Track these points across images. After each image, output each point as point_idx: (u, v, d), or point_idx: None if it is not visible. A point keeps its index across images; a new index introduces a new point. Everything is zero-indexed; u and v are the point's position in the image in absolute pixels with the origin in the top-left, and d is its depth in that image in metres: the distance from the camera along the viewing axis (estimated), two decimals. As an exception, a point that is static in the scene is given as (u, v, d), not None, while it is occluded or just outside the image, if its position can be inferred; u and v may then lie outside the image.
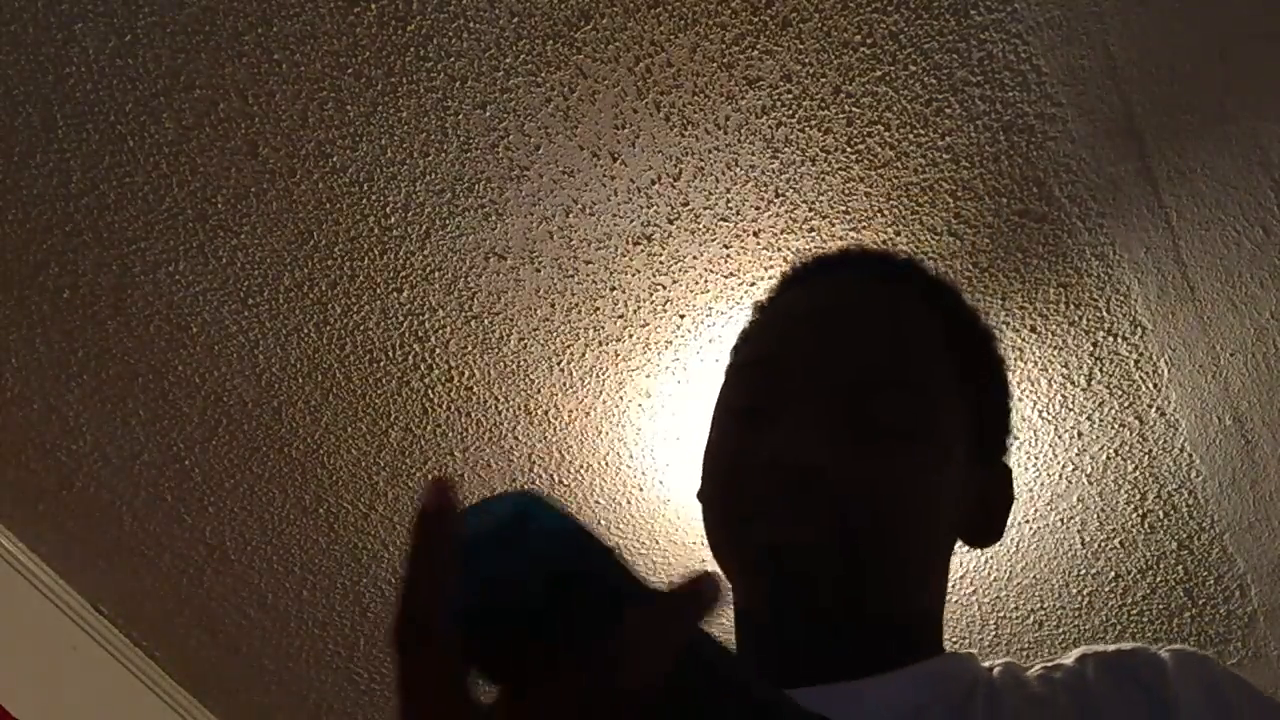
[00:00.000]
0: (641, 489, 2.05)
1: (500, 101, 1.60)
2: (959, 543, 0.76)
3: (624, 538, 2.14)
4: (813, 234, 1.71)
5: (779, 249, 1.73)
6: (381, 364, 1.92)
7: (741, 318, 1.81)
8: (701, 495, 0.77)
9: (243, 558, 2.22)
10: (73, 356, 1.92)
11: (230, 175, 1.69)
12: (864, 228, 1.70)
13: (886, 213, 1.68)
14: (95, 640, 2.33)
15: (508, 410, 1.98)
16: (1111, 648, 0.68)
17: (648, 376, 1.88)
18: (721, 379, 0.81)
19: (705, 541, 0.77)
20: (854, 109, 1.58)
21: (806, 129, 1.60)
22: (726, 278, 1.77)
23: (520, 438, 2.01)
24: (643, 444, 1.98)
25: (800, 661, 0.69)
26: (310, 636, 2.37)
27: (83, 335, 1.89)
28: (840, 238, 1.71)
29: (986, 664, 0.72)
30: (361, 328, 1.88)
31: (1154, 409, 1.87)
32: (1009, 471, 0.80)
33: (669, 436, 1.95)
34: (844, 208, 1.68)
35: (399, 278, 1.81)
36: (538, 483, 2.08)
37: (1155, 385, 1.84)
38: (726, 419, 0.76)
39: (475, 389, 1.95)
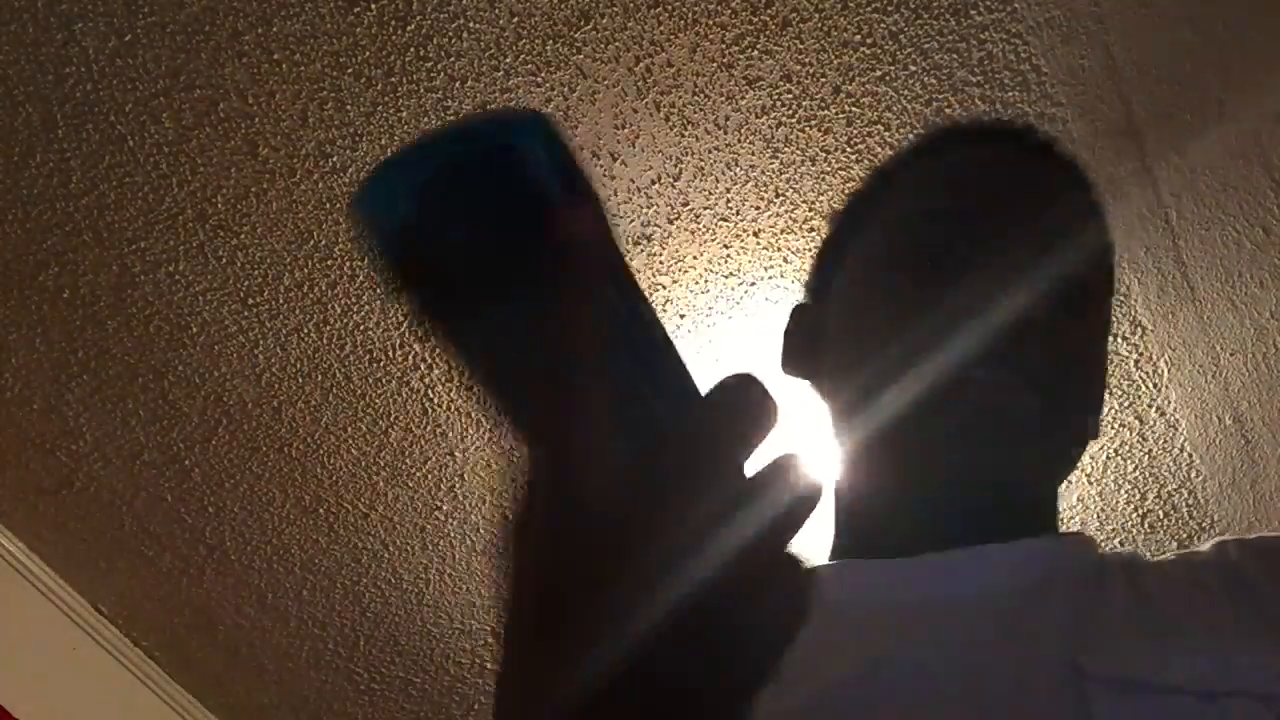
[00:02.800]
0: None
1: (500, 101, 1.60)
2: None
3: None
4: (813, 234, 1.71)
5: (779, 249, 1.73)
6: (381, 364, 1.92)
7: (741, 318, 1.81)
8: (856, 363, 0.71)
9: (243, 558, 2.22)
10: (73, 356, 1.92)
11: (230, 175, 1.69)
12: (864, 228, 1.70)
13: (886, 213, 1.68)
14: (95, 640, 2.33)
15: (508, 410, 1.98)
16: (1252, 536, 0.67)
17: (648, 376, 1.88)
18: (842, 243, 0.77)
19: None
20: (854, 109, 1.58)
21: (806, 129, 1.60)
22: (726, 278, 1.77)
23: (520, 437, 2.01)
24: (643, 444, 1.97)
25: (937, 528, 0.66)
26: (310, 636, 2.37)
27: (83, 335, 1.89)
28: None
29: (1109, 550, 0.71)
30: (361, 328, 1.88)
31: (1154, 409, 1.87)
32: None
33: (669, 436, 1.95)
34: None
35: (399, 278, 1.81)
36: (538, 483, 2.08)
37: (1155, 385, 1.84)
38: (904, 270, 0.70)
39: (475, 389, 1.95)
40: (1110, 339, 0.79)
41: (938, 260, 0.69)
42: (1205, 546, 0.66)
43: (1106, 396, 0.78)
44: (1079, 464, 0.73)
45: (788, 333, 0.81)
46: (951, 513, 0.66)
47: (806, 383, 0.78)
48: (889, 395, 0.67)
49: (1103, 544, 2.05)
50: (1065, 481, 0.74)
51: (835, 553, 0.72)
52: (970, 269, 0.68)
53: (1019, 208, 0.71)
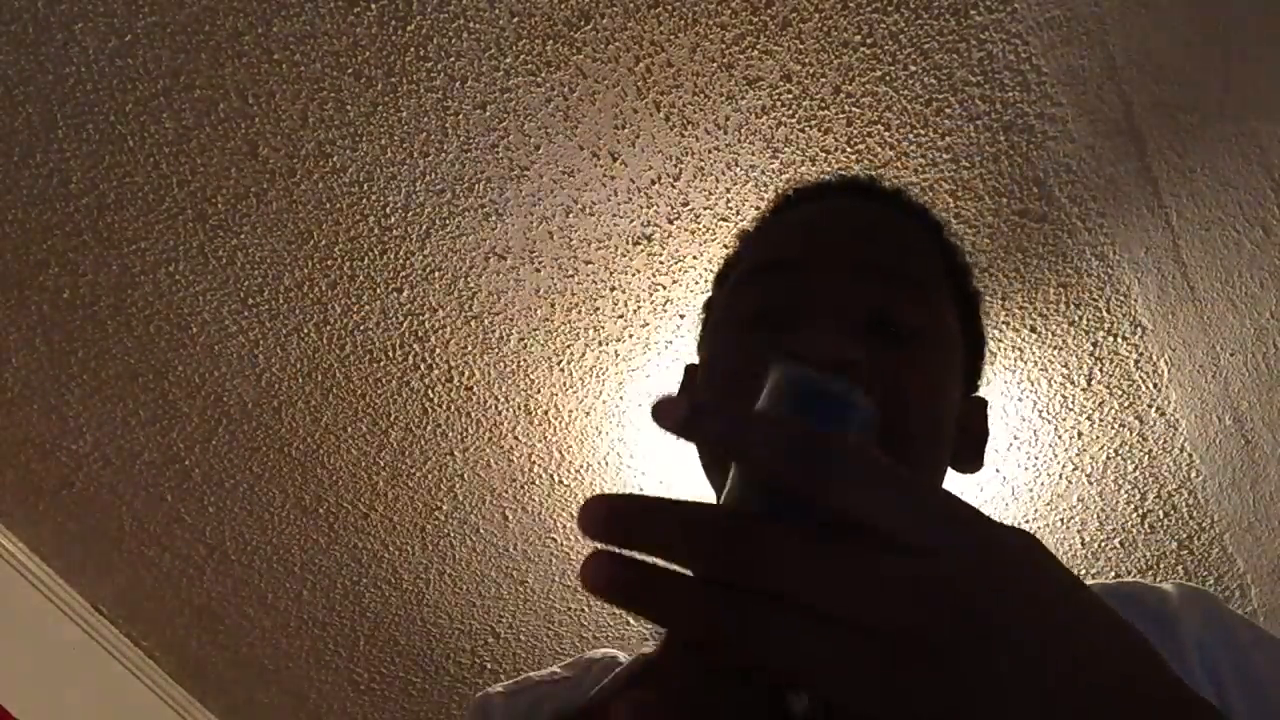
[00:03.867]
0: (641, 489, 2.05)
1: (500, 101, 1.60)
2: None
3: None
4: (813, 234, 1.71)
5: (779, 249, 1.73)
6: (381, 364, 1.92)
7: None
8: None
9: (243, 558, 2.22)
10: (73, 356, 1.92)
11: (230, 175, 1.69)
12: (864, 228, 1.70)
13: (886, 213, 1.68)
14: (95, 640, 2.33)
15: (508, 410, 1.98)
16: (1111, 580, 0.67)
17: (648, 377, 1.88)
18: (713, 304, 0.80)
19: None
20: (854, 109, 1.58)
21: (806, 129, 1.60)
22: (726, 278, 1.77)
23: (520, 438, 2.01)
24: (642, 444, 1.98)
25: None
26: (310, 636, 2.37)
27: (83, 335, 1.89)
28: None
29: None
30: (361, 328, 1.88)
31: (1154, 409, 1.87)
32: (986, 404, 0.80)
33: (669, 436, 1.95)
34: (844, 208, 1.68)
35: (399, 278, 1.81)
36: (538, 483, 2.08)
37: (1155, 385, 1.84)
38: (734, 330, 0.73)
39: (475, 389, 1.95)
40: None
41: (761, 313, 0.71)
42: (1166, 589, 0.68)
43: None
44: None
45: (678, 394, 0.83)
46: None
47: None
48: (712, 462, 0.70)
49: (1103, 544, 2.05)
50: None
51: None
52: (789, 316, 0.70)
53: (831, 252, 0.72)
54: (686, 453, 2.00)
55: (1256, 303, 1.75)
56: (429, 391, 1.96)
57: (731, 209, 1.70)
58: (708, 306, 0.83)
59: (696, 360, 0.84)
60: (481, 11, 1.51)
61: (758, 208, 1.69)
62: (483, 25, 1.52)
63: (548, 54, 1.54)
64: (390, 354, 1.91)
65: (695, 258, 1.76)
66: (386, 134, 1.64)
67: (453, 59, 1.56)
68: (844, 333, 0.68)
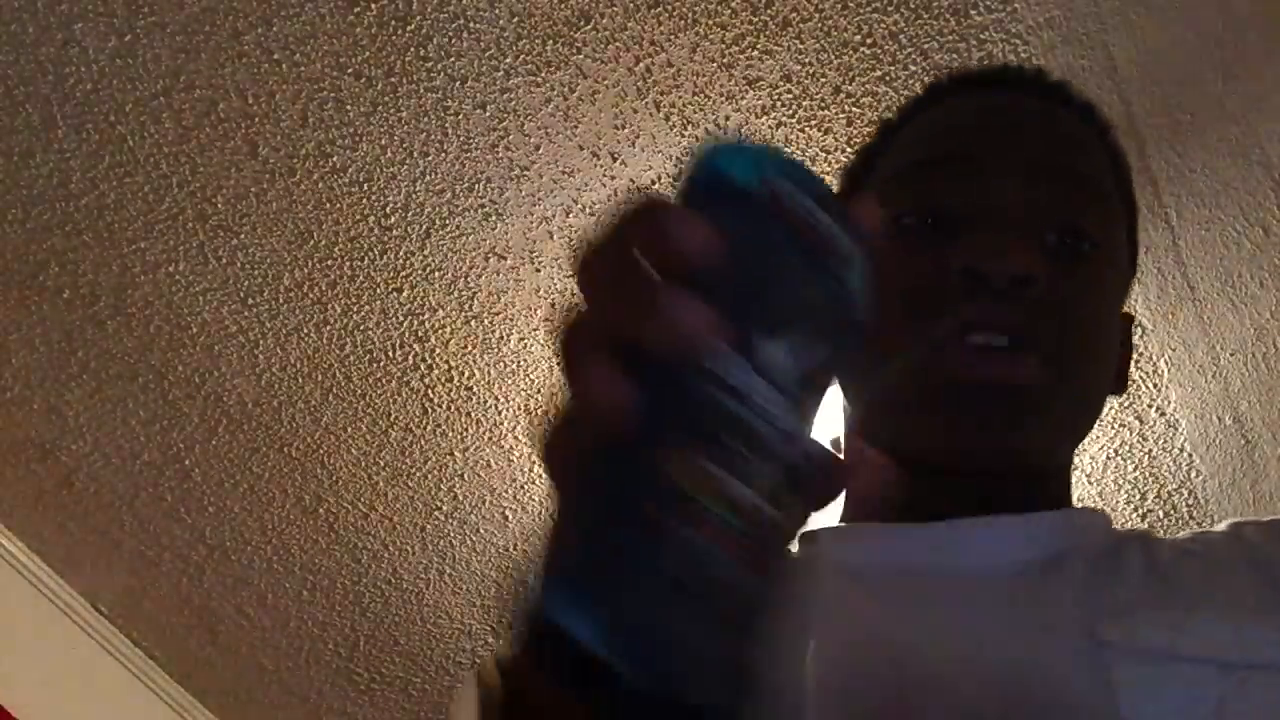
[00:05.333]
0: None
1: (500, 101, 1.60)
2: None
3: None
4: (813, 234, 1.71)
5: (779, 249, 1.73)
6: (381, 364, 1.92)
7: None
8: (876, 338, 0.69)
9: (243, 558, 2.22)
10: (73, 356, 1.92)
11: (230, 175, 1.69)
12: (864, 228, 1.70)
13: (886, 213, 1.68)
14: (95, 640, 2.33)
15: (508, 410, 1.98)
16: (1266, 518, 0.64)
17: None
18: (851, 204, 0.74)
19: None
20: (854, 109, 1.58)
21: (806, 129, 1.60)
22: (726, 278, 1.77)
23: (520, 438, 2.01)
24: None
25: (943, 497, 0.63)
26: (310, 636, 2.37)
27: (83, 335, 1.89)
28: (840, 238, 1.71)
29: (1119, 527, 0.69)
30: (361, 328, 1.88)
31: (1154, 409, 1.87)
32: (1133, 319, 0.76)
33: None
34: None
35: (399, 278, 1.81)
36: (537, 483, 2.08)
37: (1155, 385, 1.84)
38: (896, 234, 0.66)
39: (475, 389, 1.95)
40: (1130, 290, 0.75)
41: (928, 215, 0.66)
42: (1220, 526, 0.65)
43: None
44: (1088, 432, 0.69)
45: None
46: (955, 482, 0.64)
47: None
48: (887, 363, 0.65)
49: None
50: (1077, 453, 0.71)
51: (844, 516, 0.70)
52: (962, 221, 0.64)
53: (1012, 151, 0.67)
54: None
55: (1256, 303, 1.75)
56: (429, 391, 1.96)
57: (731, 209, 1.70)
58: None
59: None
60: (481, 11, 1.51)
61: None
62: (483, 25, 1.52)
63: (548, 54, 1.54)
64: (390, 354, 1.91)
65: (695, 258, 1.75)
66: (386, 134, 1.64)
67: (453, 59, 1.56)
68: (1026, 244, 0.62)
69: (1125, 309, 0.74)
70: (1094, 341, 0.65)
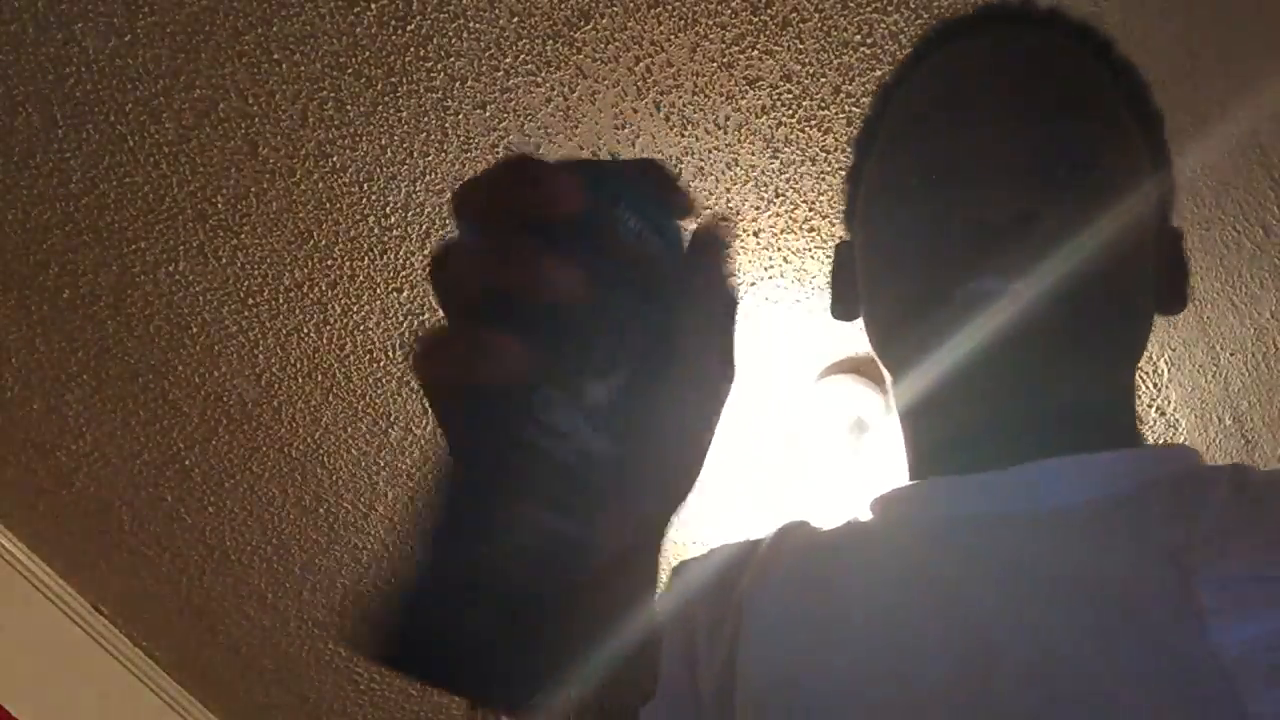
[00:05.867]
0: (641, 489, 2.05)
1: (500, 101, 1.60)
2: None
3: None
4: (813, 234, 1.71)
5: (779, 249, 1.73)
6: (381, 364, 1.92)
7: (741, 317, 1.81)
8: (870, 296, 0.69)
9: (243, 558, 2.22)
10: (73, 356, 1.92)
11: (230, 175, 1.69)
12: (864, 228, 1.70)
13: (886, 213, 1.68)
14: (95, 640, 2.33)
15: (508, 410, 1.98)
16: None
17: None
18: (861, 172, 0.73)
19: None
20: (854, 109, 1.58)
21: (806, 129, 1.60)
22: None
23: (520, 438, 2.01)
24: (643, 444, 1.97)
25: (1005, 441, 0.62)
26: (310, 636, 2.37)
27: (83, 335, 1.89)
28: (840, 237, 1.71)
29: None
30: (361, 328, 1.88)
31: (1154, 409, 1.87)
32: (1181, 234, 0.74)
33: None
34: (844, 208, 1.68)
35: (399, 278, 1.81)
36: (538, 483, 2.08)
37: (1155, 385, 1.84)
38: (895, 195, 0.67)
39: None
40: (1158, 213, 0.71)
41: (926, 171, 0.65)
42: None
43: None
44: (1134, 359, 0.67)
45: (832, 274, 0.78)
46: (1013, 431, 0.62)
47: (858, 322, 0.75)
48: (910, 323, 0.64)
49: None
50: (1135, 390, 0.69)
51: (914, 475, 0.70)
52: (960, 170, 0.64)
53: (1002, 91, 0.66)
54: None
55: (1256, 303, 1.75)
56: (429, 391, 1.96)
57: (732, 209, 1.70)
58: (853, 177, 0.75)
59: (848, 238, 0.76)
60: (481, 11, 1.51)
61: (758, 208, 1.69)
62: (483, 25, 1.52)
63: (548, 54, 1.54)
64: (390, 354, 1.91)
65: (695, 258, 1.76)
66: (386, 134, 1.64)
67: (453, 59, 1.56)
68: (1020, 180, 0.62)
69: (1167, 222, 0.72)
70: (1114, 270, 0.63)
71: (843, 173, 1.65)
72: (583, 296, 0.36)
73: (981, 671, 0.51)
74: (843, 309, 0.76)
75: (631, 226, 0.37)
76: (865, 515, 0.69)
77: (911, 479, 0.69)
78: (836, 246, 0.79)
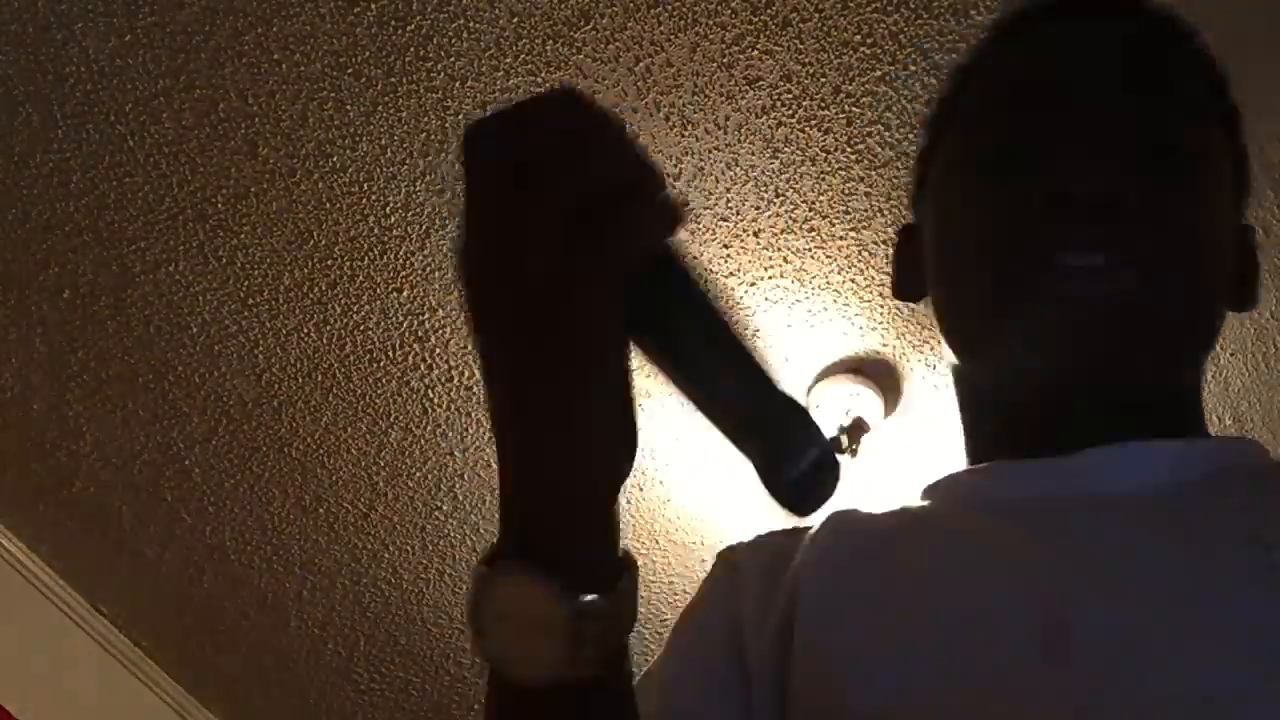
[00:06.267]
0: (641, 489, 2.05)
1: (500, 101, 1.60)
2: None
3: (624, 538, 2.14)
4: (813, 234, 1.71)
5: (779, 249, 1.73)
6: (381, 364, 1.92)
7: (741, 315, 1.81)
8: (945, 274, 0.68)
9: (243, 558, 2.22)
10: (73, 356, 1.92)
11: (230, 175, 1.69)
12: (864, 228, 1.70)
13: (886, 213, 1.68)
14: (95, 640, 2.33)
15: (508, 410, 1.98)
16: None
17: (647, 376, 1.88)
18: (935, 152, 0.72)
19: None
20: (854, 109, 1.58)
21: (806, 129, 1.60)
22: (726, 278, 1.77)
23: (520, 438, 2.01)
24: (642, 444, 1.97)
25: (1077, 426, 0.61)
26: (310, 636, 2.37)
27: (83, 335, 1.89)
28: (840, 238, 1.71)
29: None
30: (361, 328, 1.88)
31: (1154, 409, 1.87)
32: (1254, 231, 0.73)
33: (669, 436, 1.95)
34: (844, 208, 1.68)
35: (399, 278, 1.81)
36: (538, 483, 2.08)
37: (1155, 385, 1.84)
38: (978, 172, 0.65)
39: (475, 389, 1.95)
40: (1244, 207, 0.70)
41: (1009, 149, 0.64)
42: None
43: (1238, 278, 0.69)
44: (1205, 351, 0.66)
45: (895, 256, 0.77)
46: (1086, 415, 0.61)
47: (919, 304, 0.74)
48: (989, 302, 0.63)
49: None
50: (1204, 379, 0.69)
51: (975, 460, 0.69)
52: (1044, 148, 0.63)
53: (1089, 71, 0.65)
54: (687, 453, 2.00)
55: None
56: (429, 391, 1.96)
57: (731, 209, 1.70)
58: (925, 158, 0.74)
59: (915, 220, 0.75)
60: (481, 11, 1.51)
61: (758, 208, 1.69)
62: (483, 25, 1.52)
63: (548, 54, 1.54)
64: (390, 354, 1.91)
65: (695, 258, 1.75)
66: (386, 134, 1.64)
67: (453, 59, 1.56)
68: (1114, 162, 0.61)
69: (1241, 219, 0.71)
70: (1198, 255, 0.63)
71: (843, 173, 1.65)
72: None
73: (1059, 647, 0.51)
74: (908, 290, 0.74)
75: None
76: (915, 502, 0.68)
77: (971, 464, 0.69)
78: (901, 229, 0.77)
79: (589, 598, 0.45)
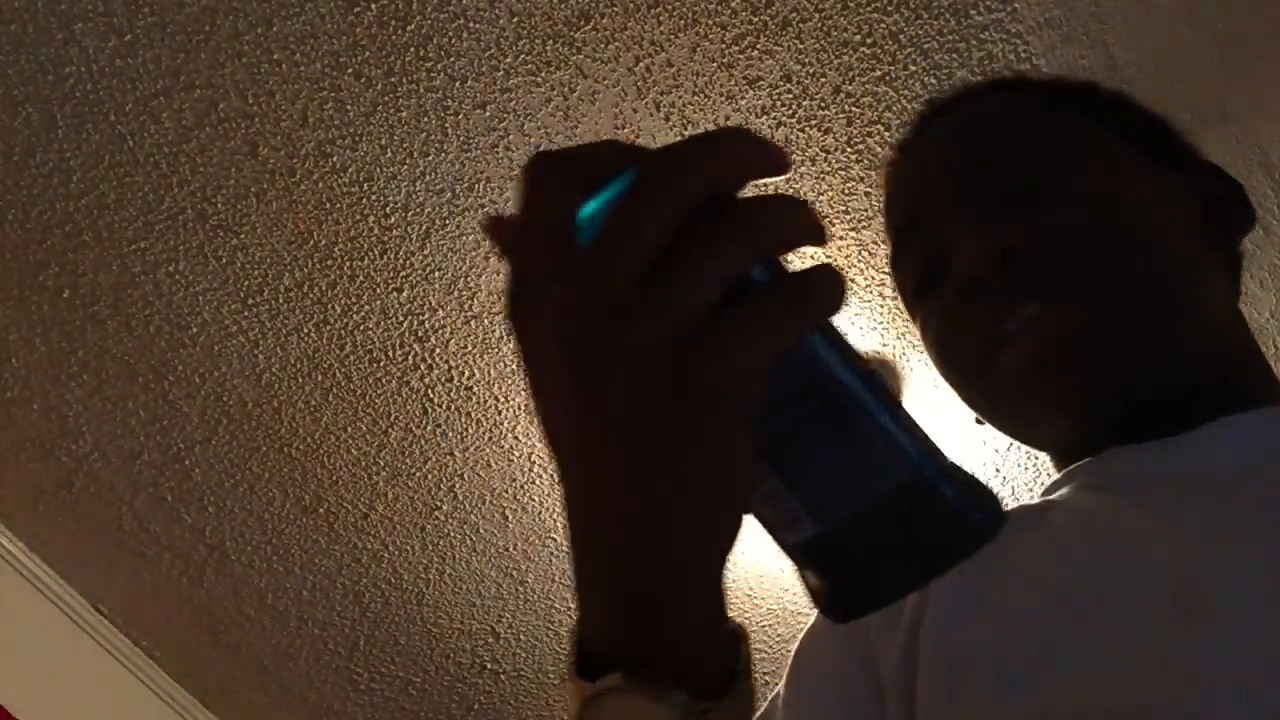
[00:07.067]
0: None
1: (500, 101, 1.60)
2: (1213, 257, 0.69)
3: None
4: (813, 234, 1.71)
5: (779, 249, 1.73)
6: (381, 364, 1.92)
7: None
8: (960, 388, 0.73)
9: (243, 558, 2.22)
10: (73, 356, 1.92)
11: (230, 175, 1.69)
12: (864, 228, 1.70)
13: (886, 213, 1.68)
14: (95, 640, 2.33)
15: (508, 410, 1.98)
16: None
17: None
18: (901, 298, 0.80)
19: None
20: (854, 109, 1.58)
21: (806, 129, 1.60)
22: (726, 278, 1.77)
23: (520, 438, 2.01)
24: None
25: (1160, 419, 0.63)
26: (310, 636, 2.37)
27: (83, 335, 1.89)
28: (840, 237, 1.71)
29: None
30: (361, 328, 1.88)
31: (1154, 409, 1.87)
32: (1213, 166, 0.75)
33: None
34: (844, 208, 1.68)
35: (399, 278, 1.81)
36: (537, 483, 2.08)
37: (1155, 385, 1.84)
38: (914, 307, 0.74)
39: (475, 389, 1.95)
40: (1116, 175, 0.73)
41: (923, 278, 0.71)
42: None
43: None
44: (1208, 305, 0.68)
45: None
46: (1153, 408, 0.64)
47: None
48: (989, 409, 0.71)
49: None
50: (1248, 340, 0.70)
51: (1069, 458, 0.71)
52: (937, 265, 0.69)
53: (923, 191, 0.72)
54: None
55: (1257, 303, 1.75)
56: (429, 391, 1.96)
57: (731, 209, 1.70)
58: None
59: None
60: (481, 11, 1.51)
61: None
62: (483, 25, 1.52)
63: (548, 54, 1.54)
64: (390, 354, 1.91)
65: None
66: (386, 134, 1.64)
67: (453, 59, 1.56)
68: (978, 244, 0.65)
69: (1159, 167, 0.72)
70: (1114, 247, 0.65)
71: (843, 173, 1.65)
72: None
73: (1188, 617, 0.51)
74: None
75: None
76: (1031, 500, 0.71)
77: (1062, 464, 0.72)
78: None
79: (710, 706, 0.39)
